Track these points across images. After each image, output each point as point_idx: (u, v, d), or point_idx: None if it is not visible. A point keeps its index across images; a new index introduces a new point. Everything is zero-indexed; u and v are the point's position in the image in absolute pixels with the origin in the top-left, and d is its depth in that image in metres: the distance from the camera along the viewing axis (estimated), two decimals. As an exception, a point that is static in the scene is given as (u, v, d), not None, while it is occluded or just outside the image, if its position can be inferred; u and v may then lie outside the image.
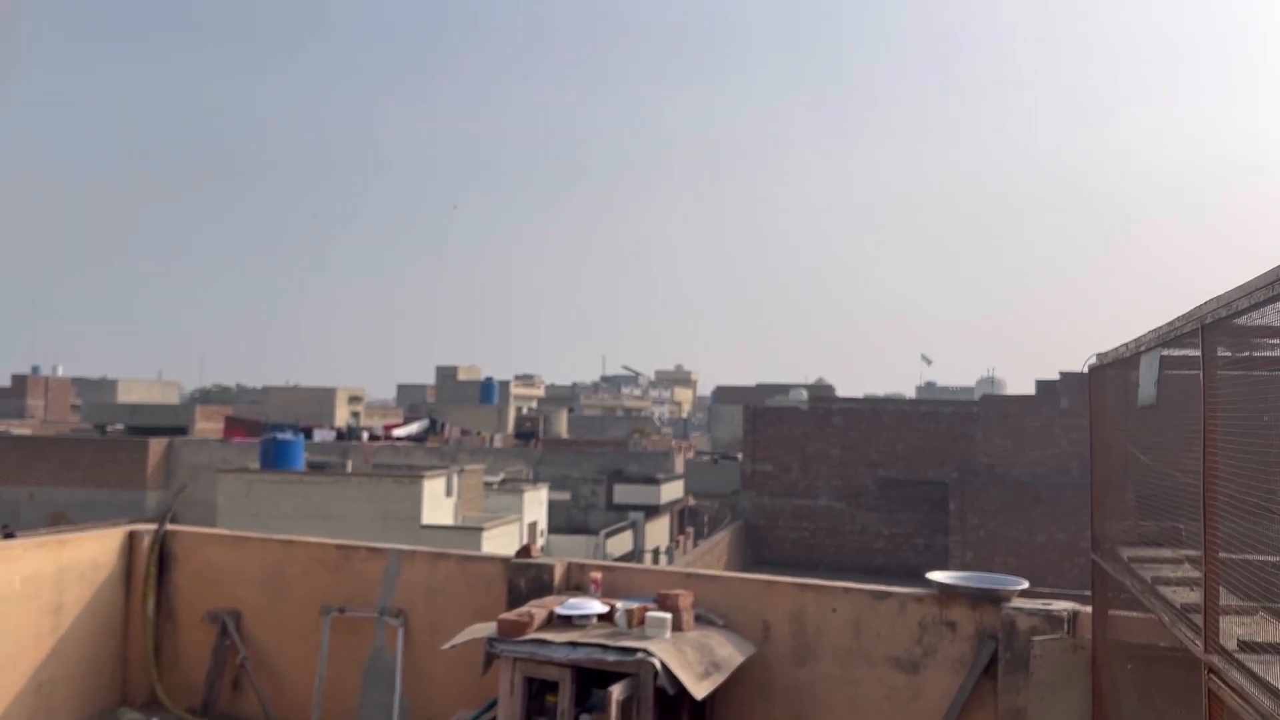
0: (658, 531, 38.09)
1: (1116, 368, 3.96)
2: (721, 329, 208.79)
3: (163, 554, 6.83)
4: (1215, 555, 2.43)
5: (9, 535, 23.44)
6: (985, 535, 25.38)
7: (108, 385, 75.67)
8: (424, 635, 6.16)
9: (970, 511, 25.79)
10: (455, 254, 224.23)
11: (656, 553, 37.14)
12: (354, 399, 59.55)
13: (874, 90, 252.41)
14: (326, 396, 56.62)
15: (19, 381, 77.10)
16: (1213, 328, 2.40)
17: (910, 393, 76.48)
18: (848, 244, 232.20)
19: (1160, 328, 2.92)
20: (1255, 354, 2.40)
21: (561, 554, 31.13)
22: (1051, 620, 4.96)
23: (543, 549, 31.22)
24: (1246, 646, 2.32)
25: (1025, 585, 5.30)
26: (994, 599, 5.25)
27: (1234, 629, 2.46)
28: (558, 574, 5.94)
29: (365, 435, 45.28)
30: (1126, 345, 3.58)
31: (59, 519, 35.97)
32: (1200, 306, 2.45)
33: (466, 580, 6.19)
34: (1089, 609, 4.86)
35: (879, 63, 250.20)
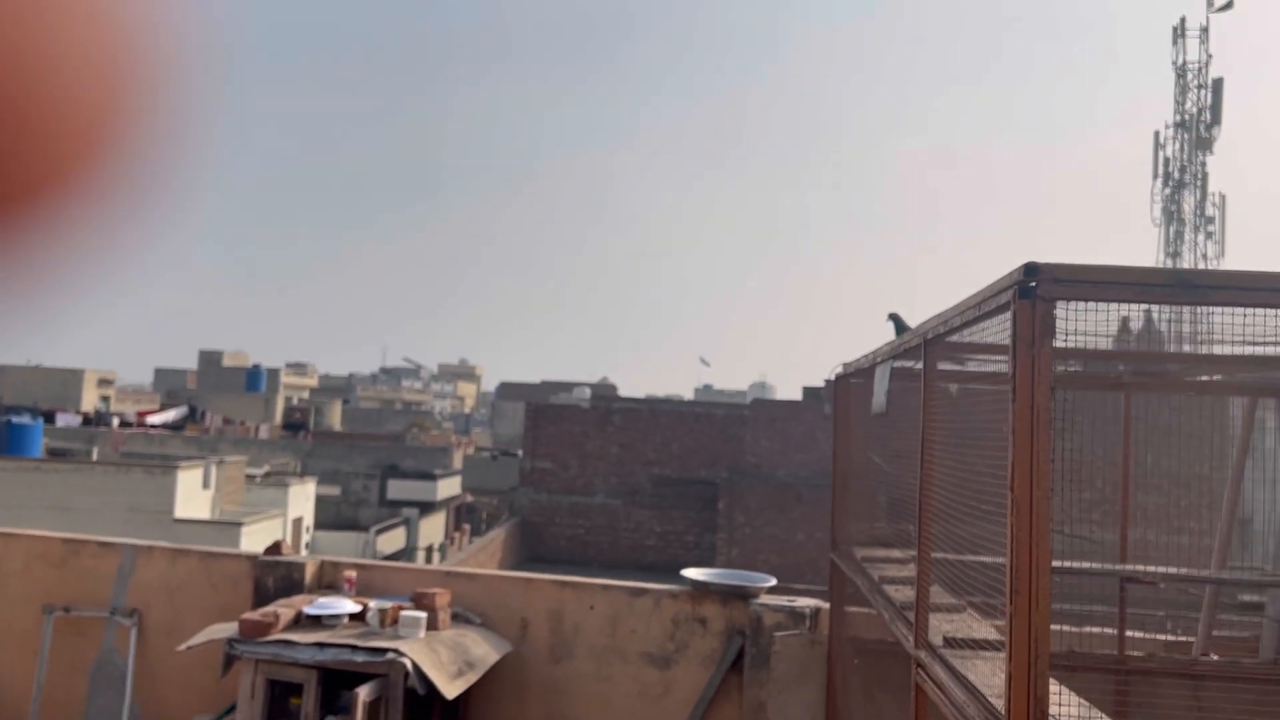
0: (433, 528, 37.48)
1: (858, 377, 4.18)
2: (509, 325, 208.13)
3: None
4: (928, 555, 2.60)
5: None
6: (751, 533, 26.40)
7: None
8: (160, 637, 5.77)
9: (737, 510, 26.76)
10: (227, 230, 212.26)
11: (430, 550, 36.53)
12: (104, 382, 55.34)
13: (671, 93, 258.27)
14: (73, 378, 52.34)
15: None
16: (933, 342, 2.57)
17: (690, 395, 78.70)
18: (636, 245, 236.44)
19: (893, 341, 3.10)
20: (966, 368, 2.59)
21: (329, 551, 30.13)
22: (795, 616, 5.20)
23: (308, 546, 30.10)
24: (950, 642, 2.49)
25: (773, 582, 5.52)
26: (743, 595, 5.44)
27: (943, 626, 2.64)
28: (309, 572, 5.71)
29: (115, 421, 42.19)
30: (866, 356, 3.79)
31: None
32: (924, 323, 2.62)
33: (209, 578, 5.85)
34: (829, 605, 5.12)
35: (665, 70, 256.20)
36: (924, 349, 2.62)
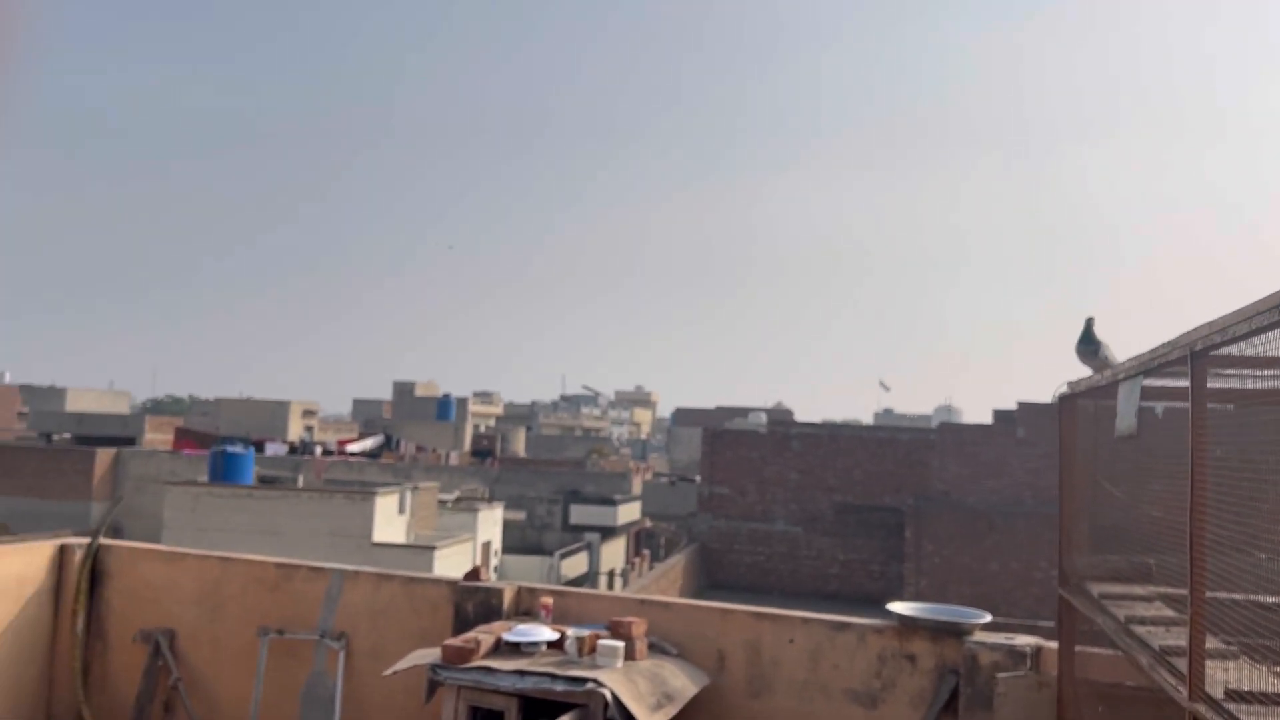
0: (614, 553, 37.85)
1: (1089, 397, 3.85)
2: (683, 351, 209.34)
3: (95, 569, 6.52)
4: (1202, 596, 2.29)
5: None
6: (940, 563, 25.40)
7: (56, 393, 74.06)
8: (366, 660, 5.91)
9: (925, 539, 25.81)
10: (417, 269, 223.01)
11: (612, 575, 36.89)
12: (308, 413, 58.72)
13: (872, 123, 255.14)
14: (280, 410, 55.75)
15: (-38, 387, 75.19)
16: (1202, 355, 2.28)
17: (868, 419, 76.99)
18: (810, 267, 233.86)
19: (1141, 355, 2.80)
20: (1246, 386, 2.28)
21: (515, 575, 30.81)
22: (1015, 655, 4.83)
23: (496, 569, 30.88)
24: (1234, 695, 2.19)
25: (988, 618, 5.16)
26: (956, 632, 5.11)
27: (1219, 675, 2.33)
28: (507, 598, 5.73)
29: (319, 450, 44.60)
30: (1102, 373, 3.46)
31: (-1, 529, 35.03)
32: (1190, 332, 2.33)
33: (411, 603, 5.95)
34: (1053, 644, 4.74)
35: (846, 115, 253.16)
36: (1190, 362, 2.33)
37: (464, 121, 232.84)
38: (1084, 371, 4.15)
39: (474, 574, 5.96)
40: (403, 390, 66.26)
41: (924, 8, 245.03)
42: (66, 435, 48.92)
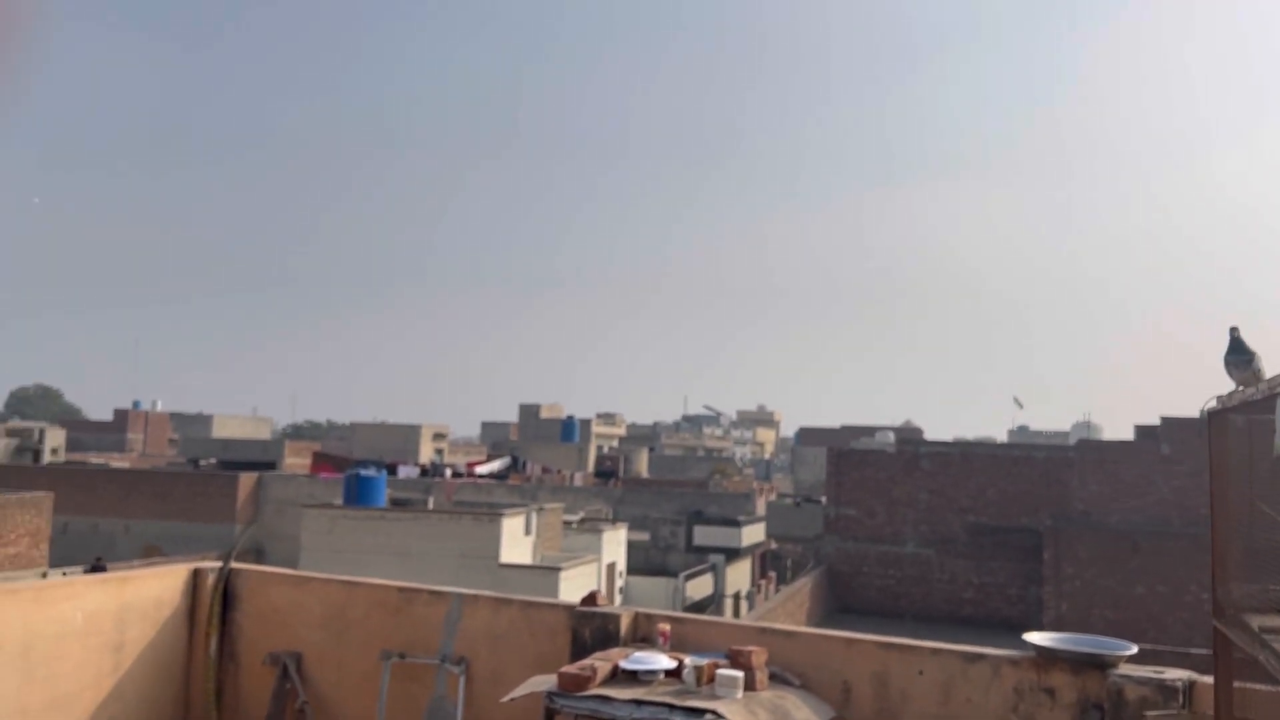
0: (739, 575, 37.45)
1: (1242, 411, 3.54)
2: (807, 370, 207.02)
3: (227, 593, 6.70)
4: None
5: (99, 568, 24.01)
6: (1081, 586, 24.28)
7: (203, 420, 77.97)
8: (485, 685, 5.90)
9: (1065, 561, 24.72)
10: (542, 293, 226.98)
11: (738, 597, 36.50)
12: (438, 436, 60.18)
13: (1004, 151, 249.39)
14: (411, 433, 57.33)
15: (120, 416, 79.81)
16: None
17: (1002, 437, 74.51)
18: (936, 281, 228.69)
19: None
20: None
21: (640, 596, 30.78)
22: (1165, 691, 4.49)
23: (621, 591, 30.91)
24: None
25: (1134, 650, 4.82)
26: (1099, 664, 4.78)
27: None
28: (624, 624, 5.64)
29: (448, 472, 45.61)
30: (1257, 387, 3.18)
31: (152, 551, 36.88)
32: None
33: (530, 628, 5.92)
34: (1209, 680, 4.37)
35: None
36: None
37: (588, 141, 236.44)
38: (1232, 385, 3.85)
39: (591, 599, 5.89)
40: (528, 412, 67.34)
41: (1070, 9, 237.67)
42: (212, 460, 51.31)
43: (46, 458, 56.76)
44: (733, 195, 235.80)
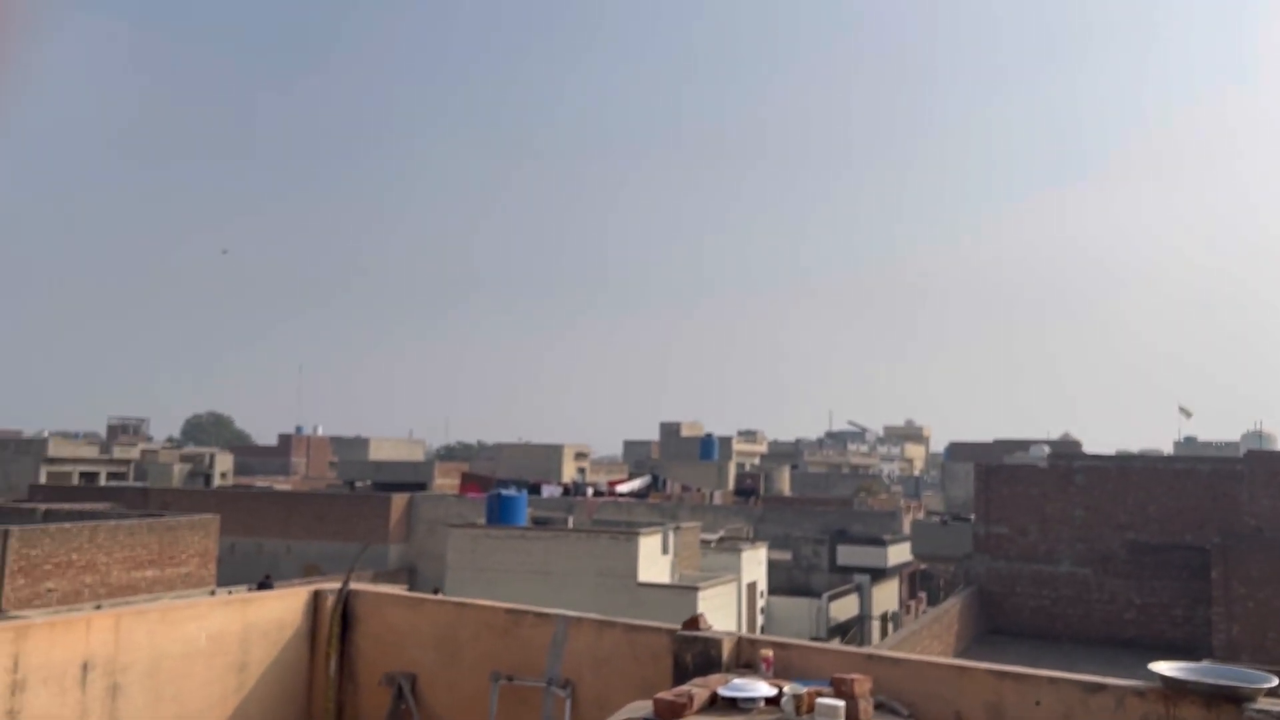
0: (886, 596, 36.49)
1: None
2: (957, 384, 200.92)
3: (345, 614, 6.89)
4: None
5: (267, 585, 25.21)
6: (1255, 607, 22.63)
7: (361, 444, 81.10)
8: (590, 708, 5.87)
9: (1236, 580, 23.11)
10: (683, 313, 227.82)
11: (885, 618, 35.56)
12: (580, 455, 60.93)
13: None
14: (554, 453, 58.22)
15: (284, 440, 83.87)
16: None
17: (1168, 449, 70.48)
18: (1099, 292, 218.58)
19: None
20: None
21: (782, 617, 30.30)
22: (1309, 729, 4.09)
23: (763, 610, 30.51)
24: None
25: (1275, 683, 4.41)
26: (1234, 698, 4.40)
27: None
28: (726, 650, 5.52)
29: (590, 491, 46.10)
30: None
31: (311, 570, 38.52)
32: None
33: (633, 651, 5.87)
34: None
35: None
36: None
37: (723, 153, 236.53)
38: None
39: (693, 623, 5.80)
40: (669, 431, 67.49)
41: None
42: (367, 482, 53.29)
43: (216, 481, 60.19)
44: (875, 207, 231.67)
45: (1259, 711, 4.25)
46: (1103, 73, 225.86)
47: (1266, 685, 4.41)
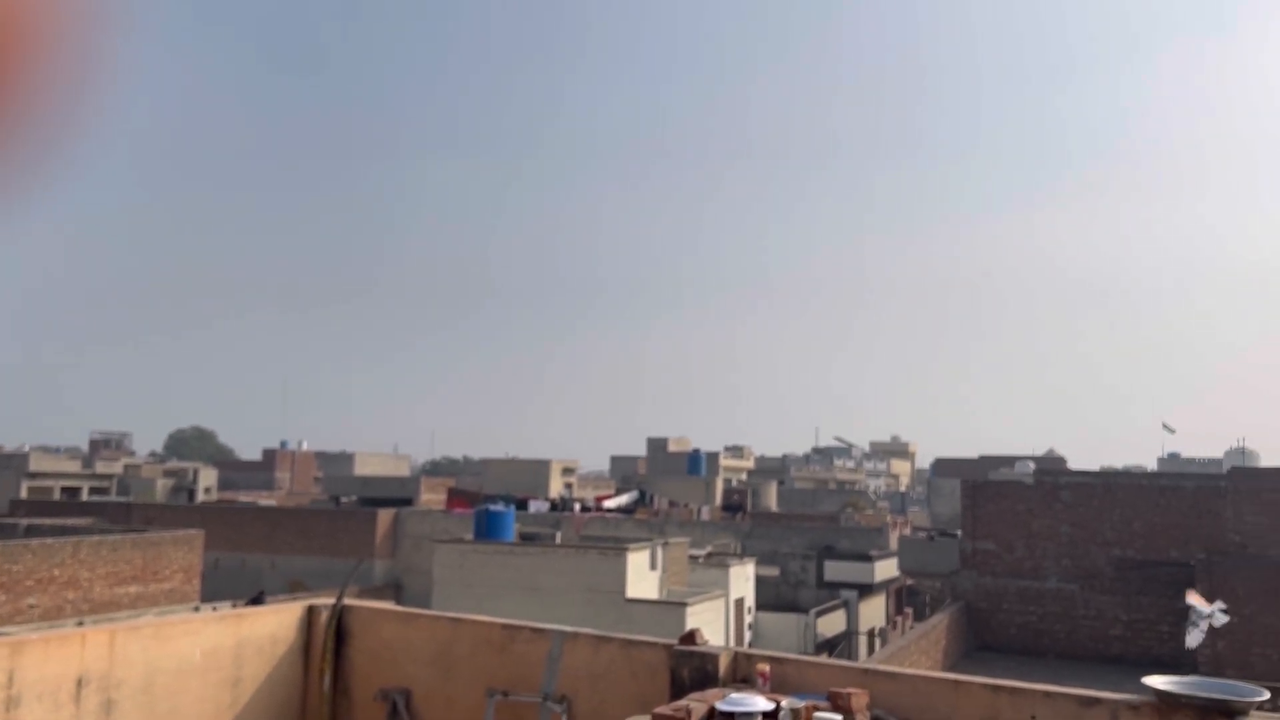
0: (872, 611, 36.52)
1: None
2: (942, 399, 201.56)
3: (339, 629, 6.88)
4: None
5: (259, 601, 25.06)
6: (1239, 624, 22.74)
7: (346, 459, 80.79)
8: (587, 724, 5.88)
9: (1221, 596, 23.19)
10: (669, 326, 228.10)
11: (871, 634, 35.57)
12: (567, 470, 60.81)
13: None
14: (541, 468, 58.07)
15: (269, 455, 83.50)
16: None
17: (1152, 465, 70.89)
18: (1084, 306, 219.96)
19: None
20: None
21: (770, 632, 30.27)
22: (1302, 743, 4.14)
23: (750, 627, 30.49)
24: None
25: (1265, 696, 4.47)
26: (1226, 711, 4.45)
27: None
28: (723, 664, 5.55)
29: (577, 507, 45.99)
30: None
31: (296, 586, 38.26)
32: None
33: (630, 666, 5.88)
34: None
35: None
36: None
37: (712, 167, 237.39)
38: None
39: (690, 638, 5.82)
40: (656, 446, 67.46)
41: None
42: (353, 498, 53.05)
43: (200, 496, 59.79)
44: (864, 216, 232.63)
45: (1252, 725, 4.30)
46: (1086, 82, 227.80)
47: (1258, 699, 4.47)
